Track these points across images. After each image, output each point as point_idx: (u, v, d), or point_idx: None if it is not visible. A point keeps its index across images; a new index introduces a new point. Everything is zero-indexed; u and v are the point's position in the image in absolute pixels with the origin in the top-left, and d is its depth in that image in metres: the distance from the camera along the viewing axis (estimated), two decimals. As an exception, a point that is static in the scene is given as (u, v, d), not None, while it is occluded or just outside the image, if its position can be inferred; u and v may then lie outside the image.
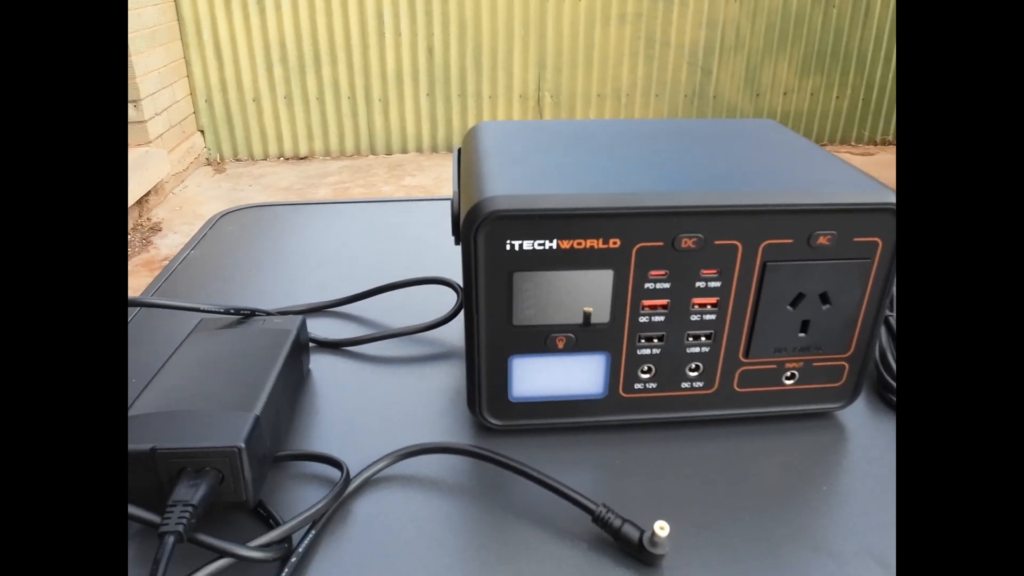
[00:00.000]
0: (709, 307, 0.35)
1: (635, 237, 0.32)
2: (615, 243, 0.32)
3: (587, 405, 0.37)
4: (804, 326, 0.36)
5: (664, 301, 0.34)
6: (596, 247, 0.32)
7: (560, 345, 0.35)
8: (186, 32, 3.03)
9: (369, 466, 0.35)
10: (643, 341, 0.35)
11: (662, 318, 0.35)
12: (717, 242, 0.33)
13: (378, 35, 3.13)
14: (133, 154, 2.66)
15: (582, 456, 0.37)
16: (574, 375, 0.36)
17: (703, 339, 0.36)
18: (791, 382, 0.37)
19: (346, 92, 3.22)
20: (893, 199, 0.33)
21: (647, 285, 0.34)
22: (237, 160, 3.31)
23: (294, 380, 0.40)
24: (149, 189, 2.64)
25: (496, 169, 0.35)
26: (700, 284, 0.34)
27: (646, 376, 0.36)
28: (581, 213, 0.31)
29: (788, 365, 0.37)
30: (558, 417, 0.37)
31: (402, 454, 0.35)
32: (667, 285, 0.34)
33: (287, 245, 0.63)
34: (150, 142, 2.75)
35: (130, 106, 2.67)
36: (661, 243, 0.33)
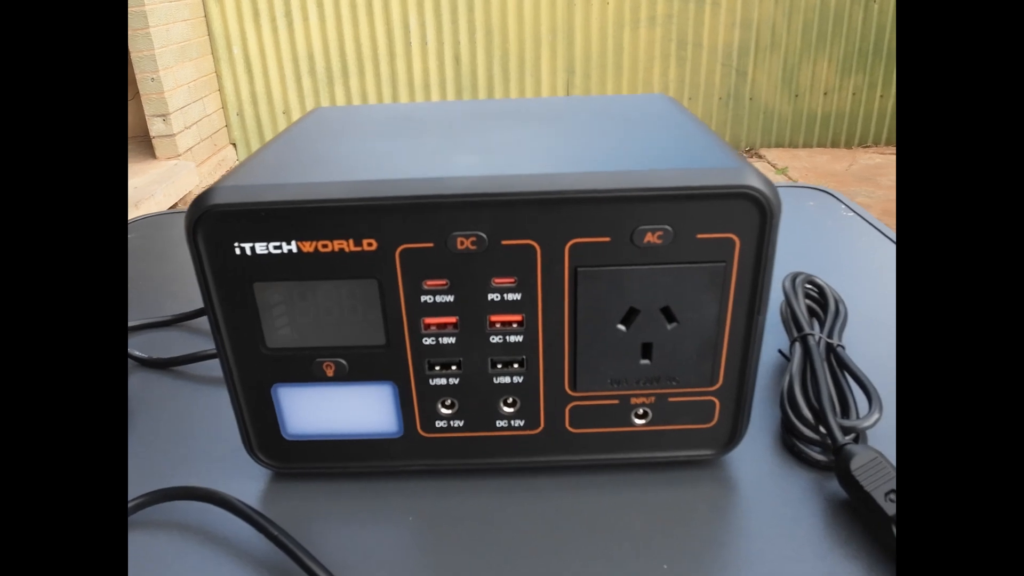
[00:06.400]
0: (514, 325, 0.27)
1: (395, 237, 0.25)
2: (370, 244, 0.25)
3: (381, 446, 0.30)
4: (646, 350, 0.28)
5: (451, 319, 0.27)
6: (347, 250, 0.25)
7: (329, 373, 0.28)
8: (216, 47, 3.07)
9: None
10: (436, 368, 0.28)
11: (452, 340, 0.27)
12: (505, 242, 0.25)
13: (404, 44, 3.11)
14: (162, 167, 2.70)
15: (381, 508, 0.29)
16: (358, 409, 0.29)
17: (514, 366, 0.28)
18: (643, 422, 0.29)
19: (374, 102, 3.20)
20: (753, 180, 0.25)
21: (424, 298, 0.26)
22: (268, 172, 3.33)
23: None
24: (177, 201, 2.67)
25: (256, 160, 0.28)
26: (494, 296, 0.26)
27: (448, 412, 0.29)
28: (317, 206, 0.25)
29: (635, 400, 0.29)
30: (349, 461, 0.30)
31: (137, 504, 0.29)
32: (450, 298, 0.26)
33: (179, 254, 0.57)
34: (179, 155, 2.79)
35: (159, 120, 2.72)
36: (430, 244, 0.25)
